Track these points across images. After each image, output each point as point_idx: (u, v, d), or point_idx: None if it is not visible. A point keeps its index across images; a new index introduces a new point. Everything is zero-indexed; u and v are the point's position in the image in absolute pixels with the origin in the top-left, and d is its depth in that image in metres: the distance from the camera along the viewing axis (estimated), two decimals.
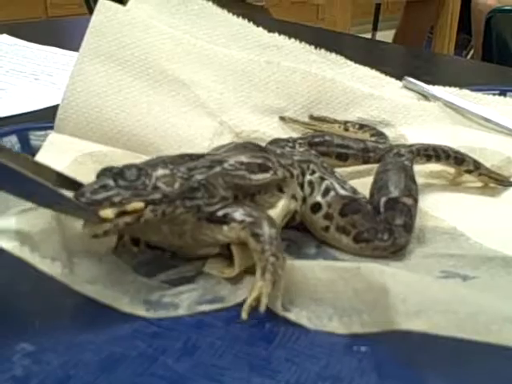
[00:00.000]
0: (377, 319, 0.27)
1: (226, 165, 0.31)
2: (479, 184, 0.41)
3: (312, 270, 0.30)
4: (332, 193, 0.34)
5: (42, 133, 0.44)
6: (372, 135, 0.44)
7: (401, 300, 0.26)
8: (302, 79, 0.50)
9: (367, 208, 0.34)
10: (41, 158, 0.42)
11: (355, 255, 0.33)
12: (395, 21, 2.15)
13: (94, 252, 0.31)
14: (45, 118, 0.46)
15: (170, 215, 0.28)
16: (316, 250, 0.35)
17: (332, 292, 0.29)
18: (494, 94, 0.55)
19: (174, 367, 0.26)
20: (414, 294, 0.26)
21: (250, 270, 0.31)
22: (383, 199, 0.34)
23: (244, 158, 0.32)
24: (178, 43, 0.49)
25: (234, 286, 0.30)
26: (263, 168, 0.33)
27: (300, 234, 0.36)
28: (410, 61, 0.79)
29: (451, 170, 0.41)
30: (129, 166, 0.28)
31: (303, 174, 0.35)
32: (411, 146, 0.39)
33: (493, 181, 0.41)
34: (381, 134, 0.44)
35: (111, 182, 0.27)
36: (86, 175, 0.32)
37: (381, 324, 0.27)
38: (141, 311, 0.29)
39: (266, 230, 0.29)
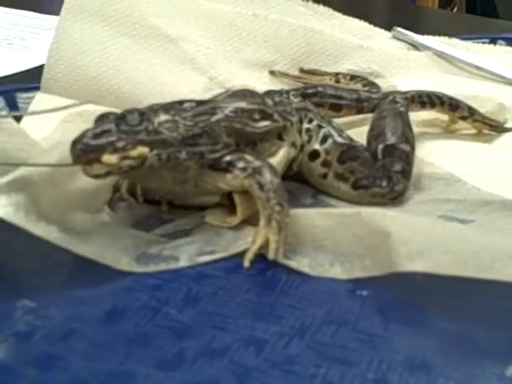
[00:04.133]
0: (379, 263, 0.27)
1: (227, 111, 0.31)
2: (473, 131, 0.41)
3: (311, 217, 0.29)
4: (330, 140, 0.34)
5: (30, 95, 0.43)
6: (364, 85, 0.43)
7: (403, 242, 0.26)
8: (290, 32, 0.49)
9: (365, 155, 0.34)
10: (29, 119, 0.41)
11: (353, 203, 0.33)
12: None
13: (89, 209, 0.31)
14: (20, 83, 0.45)
15: (173, 161, 0.28)
16: (312, 200, 0.34)
17: (332, 239, 0.29)
18: (483, 43, 0.55)
19: (178, 317, 0.26)
20: (415, 236, 0.26)
21: (249, 221, 0.31)
22: (381, 146, 0.34)
23: (244, 105, 0.32)
24: None
25: (233, 237, 0.30)
26: (264, 115, 0.32)
27: (296, 184, 0.35)
28: (395, 15, 0.78)
29: (444, 117, 0.41)
30: (130, 111, 0.27)
31: (301, 122, 0.34)
32: (406, 92, 0.38)
33: (487, 127, 0.41)
34: (373, 84, 0.44)
35: (113, 127, 0.27)
36: (75, 135, 0.32)
37: (383, 267, 0.27)
38: (140, 267, 0.28)
39: (270, 179, 0.29)
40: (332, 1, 0.57)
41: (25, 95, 0.44)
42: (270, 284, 0.28)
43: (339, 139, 0.34)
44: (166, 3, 0.48)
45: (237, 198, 0.30)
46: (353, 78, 0.45)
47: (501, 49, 0.54)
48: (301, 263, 0.29)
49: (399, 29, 0.54)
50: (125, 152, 0.26)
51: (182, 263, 0.29)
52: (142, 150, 0.27)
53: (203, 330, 0.25)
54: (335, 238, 0.29)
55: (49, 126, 0.39)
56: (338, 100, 0.39)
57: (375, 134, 0.35)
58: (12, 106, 0.41)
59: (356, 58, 0.49)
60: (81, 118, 0.42)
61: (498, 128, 0.41)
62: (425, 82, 0.47)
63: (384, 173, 0.33)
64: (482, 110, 0.41)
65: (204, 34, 0.47)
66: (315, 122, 0.34)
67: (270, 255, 0.28)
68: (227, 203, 0.31)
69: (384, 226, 0.27)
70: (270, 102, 0.34)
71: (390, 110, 0.36)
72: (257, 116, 0.32)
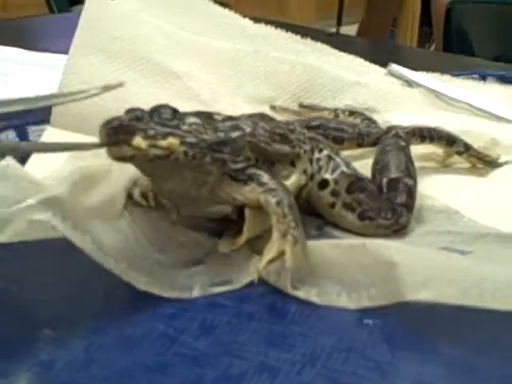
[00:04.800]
0: (385, 292, 0.28)
1: (252, 128, 0.32)
2: (467, 165, 0.43)
3: (319, 248, 0.31)
4: (339, 170, 0.35)
5: (40, 127, 0.44)
6: (362, 120, 0.45)
7: (407, 272, 0.27)
8: (290, 68, 0.51)
9: (371, 187, 0.35)
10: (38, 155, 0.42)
11: (357, 234, 0.35)
12: (358, 16, 2.13)
13: (108, 217, 0.31)
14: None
15: (198, 161, 0.29)
16: (317, 232, 0.36)
17: (338, 269, 0.30)
18: (473, 79, 0.57)
19: (195, 345, 0.27)
20: (420, 266, 0.28)
21: (257, 250, 0.32)
22: (385, 180, 0.35)
23: (267, 126, 0.34)
24: (166, 35, 0.50)
25: (243, 267, 0.31)
26: (283, 139, 0.34)
27: (300, 215, 0.37)
28: (376, 54, 0.81)
29: (440, 152, 0.43)
30: (164, 106, 0.29)
31: (312, 151, 0.36)
32: (407, 127, 0.40)
33: (481, 162, 0.42)
34: (370, 119, 0.46)
35: (146, 116, 0.28)
36: (83, 169, 0.33)
37: (389, 297, 0.28)
38: (155, 290, 0.29)
39: (286, 197, 0.30)
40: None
41: (34, 128, 0.45)
42: (281, 313, 0.29)
43: (347, 170, 0.35)
44: (170, 40, 0.50)
45: (247, 212, 0.31)
46: (352, 113, 0.47)
47: (491, 85, 0.56)
48: (309, 293, 0.30)
49: (394, 65, 0.57)
50: (155, 140, 0.27)
51: (195, 293, 0.30)
52: (173, 141, 0.28)
53: (219, 357, 0.26)
54: (342, 269, 0.30)
55: (58, 160, 0.40)
56: (340, 133, 0.41)
57: (379, 168, 0.36)
58: (23, 138, 0.42)
59: (353, 94, 0.51)
60: (89, 153, 0.43)
61: (492, 163, 0.43)
62: (418, 118, 0.49)
63: (389, 205, 0.34)
64: (475, 145, 0.43)
65: (207, 70, 0.49)
66: (325, 152, 0.36)
67: (288, 264, 0.29)
68: (236, 229, 0.32)
69: (389, 257, 0.29)
70: (285, 128, 0.36)
71: (393, 144, 0.37)
72: (278, 138, 0.33)
